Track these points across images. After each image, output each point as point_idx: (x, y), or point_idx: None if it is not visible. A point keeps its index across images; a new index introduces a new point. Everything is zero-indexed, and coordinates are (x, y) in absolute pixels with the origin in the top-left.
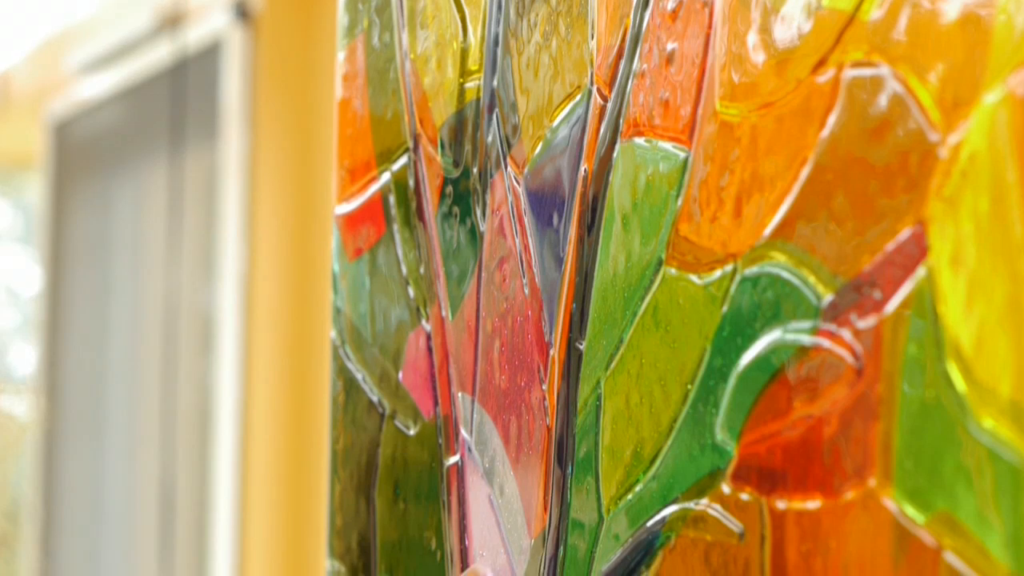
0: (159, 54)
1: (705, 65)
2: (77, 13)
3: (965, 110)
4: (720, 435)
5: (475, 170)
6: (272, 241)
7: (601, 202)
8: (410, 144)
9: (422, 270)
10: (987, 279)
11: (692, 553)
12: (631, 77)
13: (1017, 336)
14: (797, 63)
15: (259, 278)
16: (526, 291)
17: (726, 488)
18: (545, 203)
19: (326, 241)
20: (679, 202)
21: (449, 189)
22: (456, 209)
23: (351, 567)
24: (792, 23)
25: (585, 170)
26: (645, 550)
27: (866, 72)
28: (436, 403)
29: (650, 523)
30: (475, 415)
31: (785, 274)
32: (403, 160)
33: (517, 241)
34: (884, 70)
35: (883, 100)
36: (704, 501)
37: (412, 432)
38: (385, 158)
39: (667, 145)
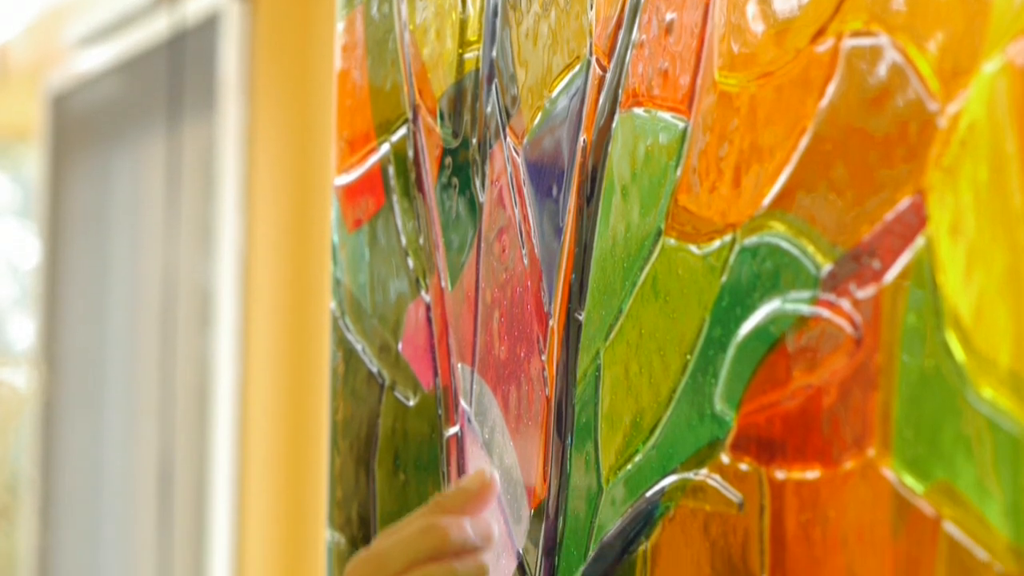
0: (157, 27)
1: (704, 35)
2: None
3: (964, 79)
4: (719, 405)
5: (474, 141)
6: (271, 214)
7: (600, 172)
8: (409, 115)
9: (421, 241)
10: (986, 248)
11: (691, 523)
12: (630, 47)
13: (1016, 306)
14: (796, 33)
15: (258, 251)
16: (525, 261)
17: (725, 458)
18: (544, 173)
19: (325, 214)
20: (678, 172)
21: (448, 160)
22: (455, 180)
23: (351, 538)
24: None
25: (584, 140)
26: (644, 520)
27: (865, 42)
28: (436, 374)
29: (649, 493)
30: (475, 386)
31: (784, 244)
32: (402, 131)
33: (516, 211)
34: (883, 39)
35: (882, 70)
36: (703, 471)
37: (412, 403)
38: (384, 129)
39: (666, 115)
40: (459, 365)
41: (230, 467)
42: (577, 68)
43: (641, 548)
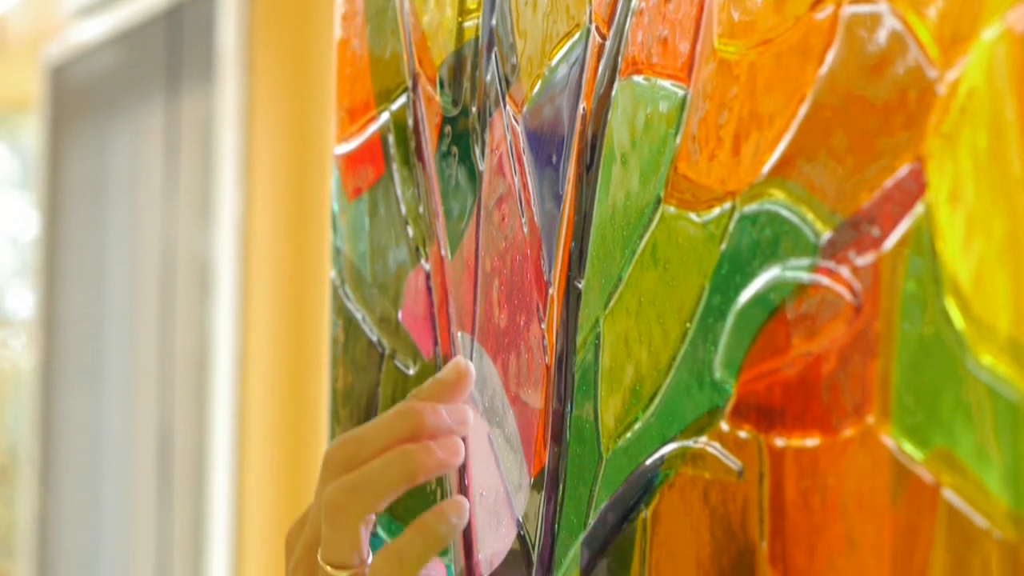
0: None
1: (703, 2)
2: None
3: (964, 46)
4: (719, 373)
5: (474, 109)
6: (270, 184)
7: (600, 140)
8: (409, 84)
9: (421, 209)
10: (986, 215)
11: (691, 491)
12: (629, 15)
13: (1016, 272)
14: (796, 0)
15: (257, 221)
16: (525, 230)
17: (725, 426)
18: (544, 142)
19: (324, 184)
20: (678, 140)
21: (448, 128)
22: (455, 148)
23: None
24: None
25: (584, 108)
26: (644, 488)
27: (864, 8)
28: (436, 342)
29: (649, 461)
30: (474, 354)
31: (784, 211)
32: (402, 100)
33: (516, 180)
34: (882, 6)
35: (881, 36)
36: (703, 439)
37: (412, 372)
38: (384, 98)
39: (666, 83)
40: (459, 334)
41: (229, 436)
42: (577, 36)
43: (641, 516)
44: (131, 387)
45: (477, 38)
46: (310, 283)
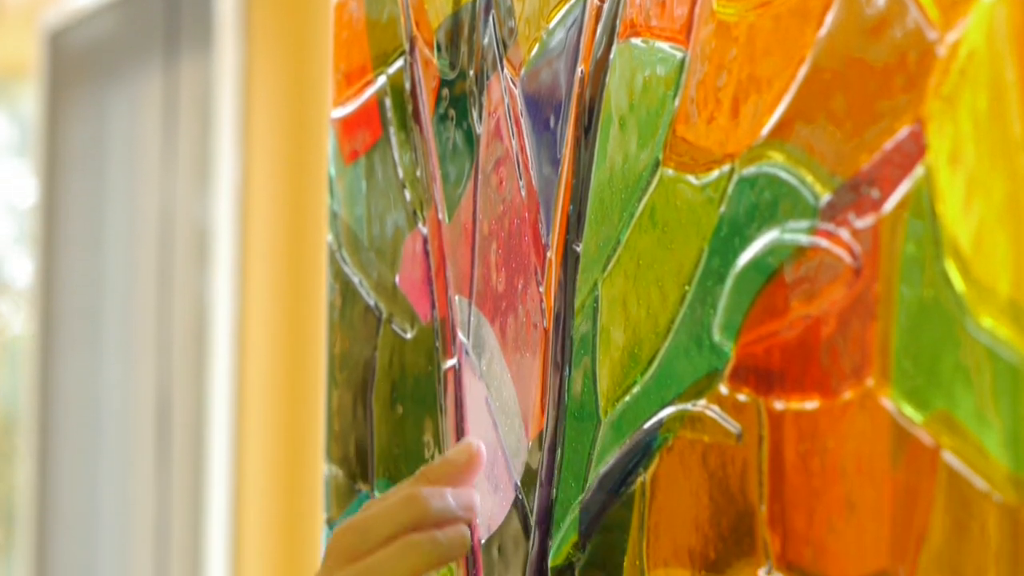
0: None
1: None
2: None
3: (963, 8)
4: (718, 336)
5: (471, 72)
6: (268, 150)
7: (598, 103)
8: (406, 47)
9: (418, 173)
10: (986, 177)
11: (690, 454)
12: None
13: (1015, 234)
14: None
15: (255, 187)
16: (523, 193)
17: (724, 389)
18: (542, 105)
19: (322, 151)
20: (676, 103)
21: (445, 91)
22: (452, 111)
23: (349, 472)
24: None
25: (582, 71)
26: (643, 451)
27: None
28: (433, 306)
29: (648, 424)
30: (472, 318)
31: (783, 174)
32: (399, 63)
33: (514, 143)
34: None
35: None
36: (702, 402)
37: (409, 336)
38: (381, 61)
39: (664, 45)
40: (456, 297)
41: (228, 403)
42: None
43: (639, 479)
44: (130, 354)
45: (474, 1)
46: (309, 249)
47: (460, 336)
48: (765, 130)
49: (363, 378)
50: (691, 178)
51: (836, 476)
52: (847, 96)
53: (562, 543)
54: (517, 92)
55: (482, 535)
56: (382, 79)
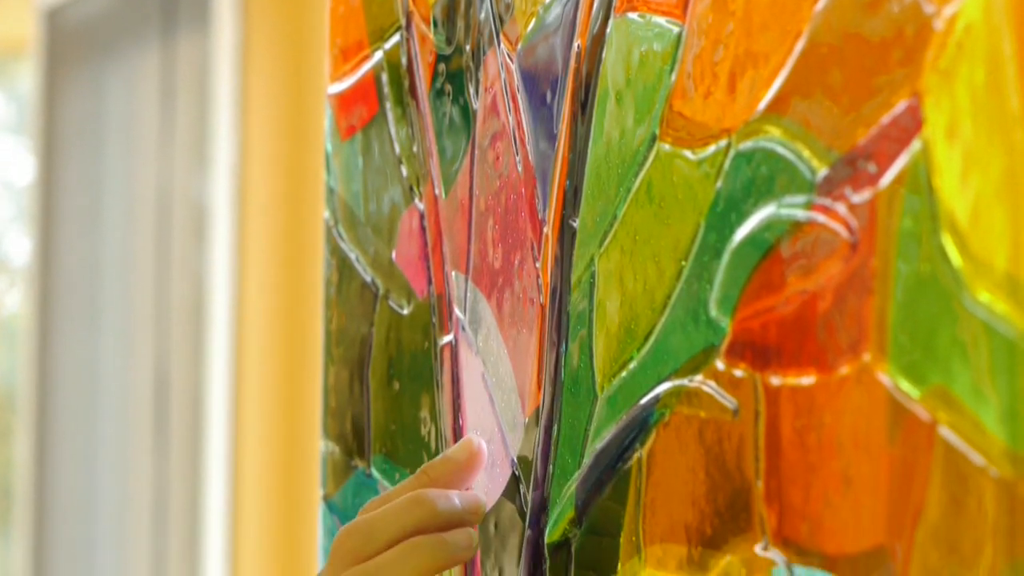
0: None
1: None
2: None
3: None
4: (714, 311)
5: (468, 48)
6: (265, 127)
7: (595, 79)
8: (403, 22)
9: (415, 148)
10: (983, 151)
11: (686, 430)
12: None
13: (1013, 209)
14: None
15: (252, 164)
16: (519, 168)
17: (720, 364)
18: (538, 80)
19: (319, 128)
20: (673, 77)
21: (442, 67)
22: (449, 87)
23: (346, 448)
24: None
25: (578, 46)
26: (639, 427)
27: None
28: (430, 282)
29: (644, 400)
30: (468, 293)
31: (779, 149)
32: (396, 38)
33: (510, 118)
34: None
35: None
36: (698, 377)
37: (406, 312)
38: (377, 36)
39: (661, 20)
40: (453, 273)
41: (226, 380)
42: None
43: (636, 455)
44: (127, 331)
45: None
46: (306, 226)
47: (456, 312)
48: (762, 105)
49: (359, 354)
50: (688, 153)
51: (832, 451)
52: (844, 70)
53: (559, 519)
54: (514, 67)
55: None
56: (378, 55)
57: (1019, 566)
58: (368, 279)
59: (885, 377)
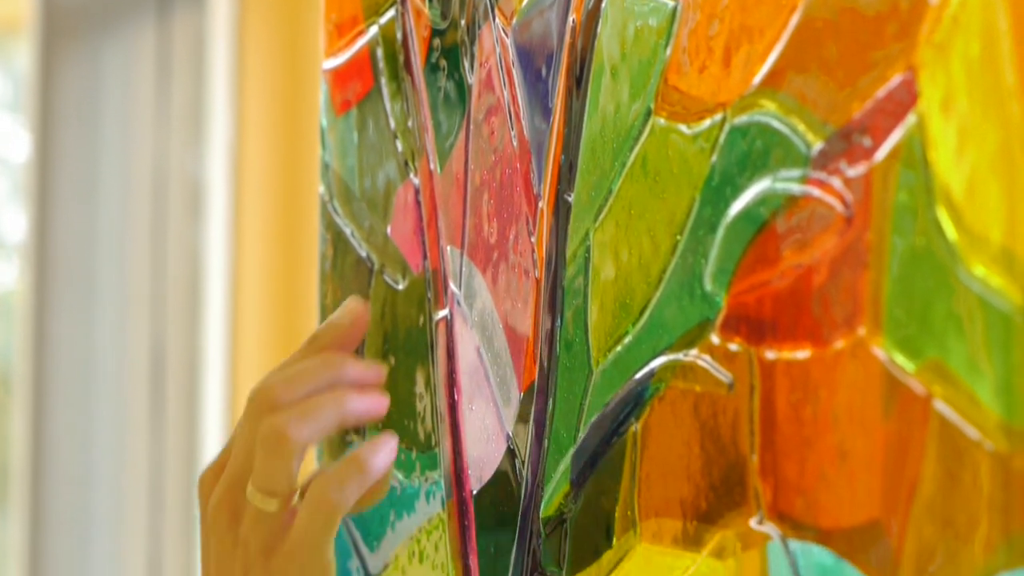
0: None
1: None
2: None
3: None
4: (709, 285)
5: (463, 22)
6: (261, 104)
7: (590, 53)
8: None
9: (410, 123)
10: (978, 125)
11: (681, 404)
12: None
13: (1008, 182)
14: None
15: (248, 141)
16: (514, 143)
17: (715, 339)
18: (533, 55)
19: (315, 103)
20: (668, 52)
21: (437, 42)
22: (444, 62)
23: None
24: None
25: (573, 21)
26: (634, 401)
27: None
28: (425, 257)
29: (639, 374)
30: (464, 268)
31: (775, 123)
32: (390, 13)
33: (505, 93)
34: None
35: None
36: (693, 352)
37: (401, 287)
38: (372, 11)
39: None
40: (448, 248)
41: (222, 355)
42: None
43: (631, 429)
44: (124, 307)
45: None
46: (302, 202)
47: (452, 286)
48: (757, 79)
49: None
50: (683, 127)
51: (828, 425)
52: (839, 44)
53: (554, 493)
54: (509, 42)
55: (474, 486)
56: (373, 29)
57: (1014, 540)
58: (363, 254)
59: (880, 351)
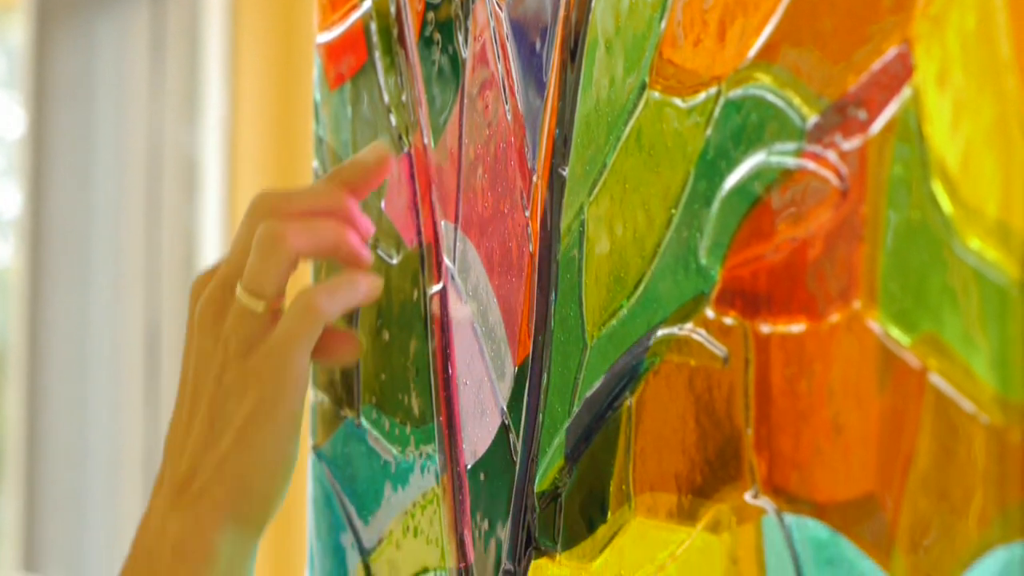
0: None
1: None
2: None
3: None
4: (704, 259)
5: None
6: (256, 81)
7: (584, 27)
8: None
9: (404, 98)
10: (973, 98)
11: (676, 378)
12: None
13: (1003, 155)
14: None
15: (242, 117)
16: (509, 117)
17: (710, 312)
18: (527, 29)
19: (309, 79)
20: (663, 25)
21: (431, 15)
22: (438, 35)
23: (335, 398)
24: None
25: None
26: (629, 375)
27: None
28: (419, 231)
29: (634, 348)
30: (458, 242)
31: (770, 96)
32: None
33: (499, 67)
34: None
35: None
36: (688, 325)
37: (395, 261)
38: None
39: None
40: (442, 222)
41: None
42: None
43: (626, 403)
44: (119, 285)
45: None
46: (297, 177)
47: (446, 261)
48: (752, 52)
49: None
50: (677, 101)
51: (823, 399)
52: (834, 17)
53: (548, 468)
54: (503, 16)
55: (468, 461)
56: (367, 3)
57: (1009, 513)
58: None
59: (875, 324)
